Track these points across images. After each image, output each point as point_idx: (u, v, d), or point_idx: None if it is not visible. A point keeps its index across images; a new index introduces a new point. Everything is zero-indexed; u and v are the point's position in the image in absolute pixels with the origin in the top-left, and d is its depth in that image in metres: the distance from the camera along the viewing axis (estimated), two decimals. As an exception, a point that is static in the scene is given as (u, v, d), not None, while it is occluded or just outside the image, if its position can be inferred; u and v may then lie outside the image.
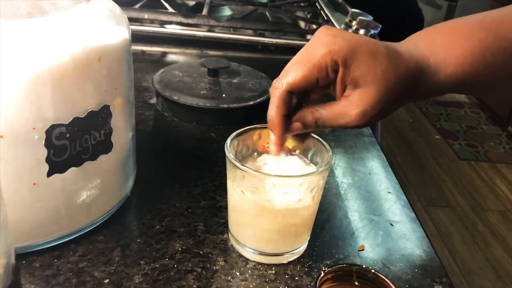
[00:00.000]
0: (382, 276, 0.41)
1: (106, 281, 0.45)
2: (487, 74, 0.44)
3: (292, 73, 0.42)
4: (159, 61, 0.98)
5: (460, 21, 0.46)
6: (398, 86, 0.41)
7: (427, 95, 0.44)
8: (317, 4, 1.29)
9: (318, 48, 0.41)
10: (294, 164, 0.51)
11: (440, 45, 0.44)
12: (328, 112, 0.43)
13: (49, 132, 0.41)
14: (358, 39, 0.42)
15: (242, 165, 0.45)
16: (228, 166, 0.47)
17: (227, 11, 1.16)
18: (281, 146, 0.46)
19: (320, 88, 0.43)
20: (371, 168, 0.67)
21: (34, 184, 0.43)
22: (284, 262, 0.49)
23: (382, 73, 0.41)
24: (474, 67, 0.43)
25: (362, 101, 0.41)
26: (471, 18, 0.46)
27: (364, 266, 0.42)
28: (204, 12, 1.08)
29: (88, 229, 0.50)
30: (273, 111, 0.43)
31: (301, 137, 0.48)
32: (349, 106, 0.41)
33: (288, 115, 0.44)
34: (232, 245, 0.51)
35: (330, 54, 0.40)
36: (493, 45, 0.43)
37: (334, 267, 0.42)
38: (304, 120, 0.44)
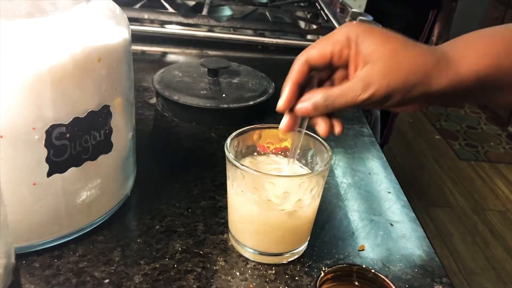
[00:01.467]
0: (382, 276, 0.41)
1: (106, 281, 0.45)
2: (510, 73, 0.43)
3: (311, 47, 0.44)
4: (159, 61, 0.98)
5: (484, 29, 0.46)
6: (408, 67, 0.41)
7: (444, 91, 0.42)
8: (317, 4, 1.29)
9: (338, 29, 0.44)
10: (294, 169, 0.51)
11: (461, 41, 0.44)
12: (338, 89, 0.43)
13: (49, 132, 0.41)
14: (376, 27, 0.43)
15: (242, 165, 0.45)
16: (228, 166, 0.47)
17: (227, 11, 1.16)
18: (290, 115, 0.45)
19: (339, 69, 0.45)
20: (371, 168, 0.67)
21: (34, 184, 0.43)
22: (284, 262, 0.49)
23: (392, 51, 0.41)
24: (496, 61, 0.42)
25: (367, 75, 0.41)
26: (496, 27, 0.46)
27: (364, 266, 0.42)
28: (204, 12, 1.08)
29: (88, 229, 0.50)
30: (288, 77, 0.44)
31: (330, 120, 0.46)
32: (356, 81, 0.42)
33: (302, 89, 0.45)
34: (232, 245, 0.51)
35: (345, 32, 0.43)
36: None
37: (334, 267, 0.42)
38: (314, 96, 0.43)
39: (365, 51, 0.42)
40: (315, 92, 0.44)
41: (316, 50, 0.43)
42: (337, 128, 0.45)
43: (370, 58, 0.41)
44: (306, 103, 0.44)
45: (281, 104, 0.44)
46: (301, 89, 0.44)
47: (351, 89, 0.42)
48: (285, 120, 0.45)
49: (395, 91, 0.41)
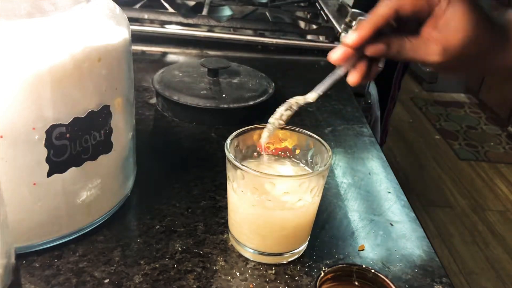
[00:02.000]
0: (382, 276, 0.41)
1: (106, 281, 0.45)
2: None
3: None
4: (159, 61, 0.98)
5: None
6: (481, 46, 0.45)
7: (497, 68, 0.48)
8: (317, 4, 1.29)
9: None
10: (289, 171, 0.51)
11: None
12: (412, 43, 0.46)
13: (49, 132, 0.41)
14: None
15: (242, 165, 0.45)
16: (228, 166, 0.47)
17: (227, 11, 1.16)
18: (348, 49, 0.47)
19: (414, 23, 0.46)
20: (371, 168, 0.67)
21: (34, 184, 0.43)
22: (284, 262, 0.49)
23: (473, 24, 0.44)
24: None
25: (447, 43, 0.45)
26: None
27: (364, 266, 0.42)
28: (204, 12, 1.08)
29: (88, 229, 0.50)
30: (372, 18, 0.46)
31: (369, 70, 0.48)
32: (433, 44, 0.45)
33: (374, 38, 0.46)
34: (232, 245, 0.51)
35: None
36: None
37: (334, 267, 0.42)
38: (390, 42, 0.46)
39: (451, 15, 0.44)
40: (392, 37, 0.46)
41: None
42: (373, 72, 0.49)
43: (453, 25, 0.44)
44: (381, 45, 0.46)
45: (353, 39, 0.46)
46: (376, 35, 0.46)
47: (425, 48, 0.45)
48: (341, 52, 0.47)
49: (460, 64, 0.46)
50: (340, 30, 1.09)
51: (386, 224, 0.56)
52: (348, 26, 1.21)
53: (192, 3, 1.20)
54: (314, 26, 1.13)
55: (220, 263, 0.48)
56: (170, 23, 1.05)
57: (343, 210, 0.58)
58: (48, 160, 0.42)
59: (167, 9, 1.08)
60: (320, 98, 0.50)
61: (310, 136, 0.51)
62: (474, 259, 1.92)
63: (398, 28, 0.47)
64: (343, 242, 0.53)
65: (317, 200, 0.48)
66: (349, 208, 0.58)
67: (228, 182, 0.49)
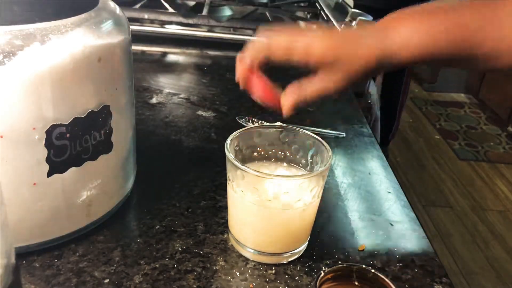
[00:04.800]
0: (382, 276, 0.41)
1: (106, 281, 0.45)
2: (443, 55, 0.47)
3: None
4: (159, 61, 0.98)
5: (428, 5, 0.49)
6: (362, 73, 0.47)
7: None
8: (317, 4, 1.29)
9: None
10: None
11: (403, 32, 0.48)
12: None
13: (49, 132, 0.41)
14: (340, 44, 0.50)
15: (242, 165, 0.45)
16: (228, 166, 0.47)
17: (227, 11, 1.16)
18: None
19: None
20: (371, 168, 0.67)
21: (34, 184, 0.43)
22: (284, 262, 0.49)
23: (349, 73, 0.47)
24: (429, 50, 0.46)
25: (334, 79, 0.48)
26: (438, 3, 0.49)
27: (364, 266, 0.42)
28: (204, 12, 1.08)
29: (88, 229, 0.50)
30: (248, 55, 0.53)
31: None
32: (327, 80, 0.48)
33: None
34: (232, 245, 0.51)
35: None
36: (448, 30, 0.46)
37: (334, 267, 0.42)
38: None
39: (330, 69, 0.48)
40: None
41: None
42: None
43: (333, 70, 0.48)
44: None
45: (236, 76, 0.52)
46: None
47: (326, 85, 0.48)
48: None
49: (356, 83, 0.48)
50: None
51: (386, 224, 0.56)
52: (348, 26, 1.21)
53: (192, 3, 1.20)
54: (314, 26, 1.13)
55: (220, 263, 0.48)
56: (170, 23, 1.05)
57: (343, 210, 0.58)
58: (48, 160, 0.42)
59: (167, 9, 1.08)
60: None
61: (310, 136, 0.51)
62: (474, 259, 1.92)
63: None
64: (343, 242, 0.53)
65: (317, 200, 0.48)
66: (349, 208, 0.58)
67: (228, 182, 0.49)
